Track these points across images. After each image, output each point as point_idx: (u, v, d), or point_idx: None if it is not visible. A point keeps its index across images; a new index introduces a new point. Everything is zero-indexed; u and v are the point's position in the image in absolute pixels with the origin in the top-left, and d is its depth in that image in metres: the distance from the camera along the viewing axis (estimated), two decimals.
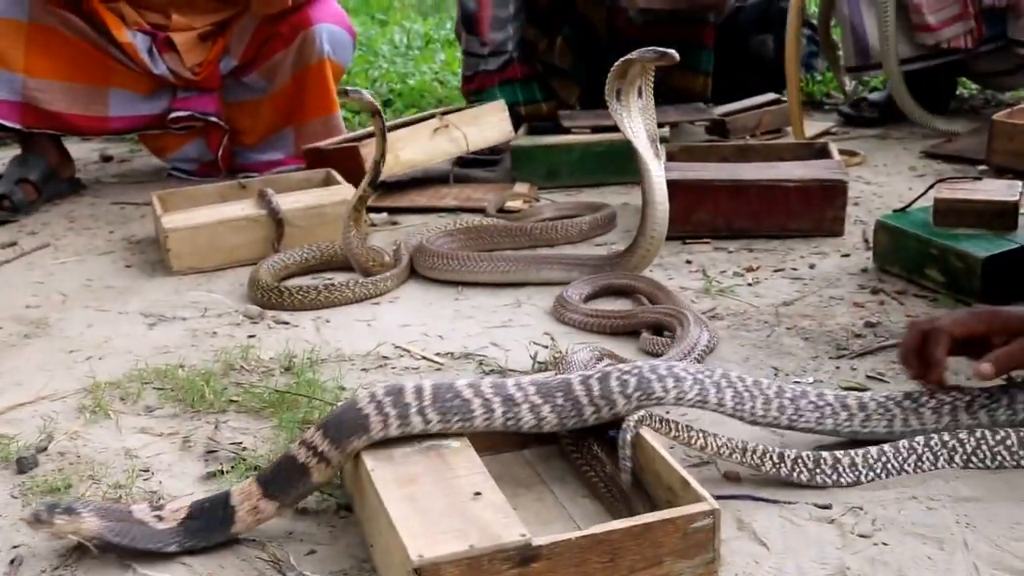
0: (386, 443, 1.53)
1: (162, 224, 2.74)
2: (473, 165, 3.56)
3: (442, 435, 1.53)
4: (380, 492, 1.40)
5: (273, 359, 2.17)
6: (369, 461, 1.48)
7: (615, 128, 3.35)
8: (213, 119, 3.56)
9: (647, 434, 1.53)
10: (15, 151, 3.57)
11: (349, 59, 3.70)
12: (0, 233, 3.16)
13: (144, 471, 1.76)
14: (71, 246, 3.04)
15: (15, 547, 1.56)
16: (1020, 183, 2.52)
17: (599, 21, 4.06)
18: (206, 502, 1.50)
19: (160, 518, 1.47)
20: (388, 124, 3.29)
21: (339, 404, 1.58)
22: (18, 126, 3.37)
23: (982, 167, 3.25)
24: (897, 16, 3.67)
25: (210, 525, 1.48)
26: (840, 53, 4.08)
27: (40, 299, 2.62)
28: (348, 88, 1.90)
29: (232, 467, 1.75)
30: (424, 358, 2.17)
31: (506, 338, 2.25)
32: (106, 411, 1.98)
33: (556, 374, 1.72)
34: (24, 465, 1.78)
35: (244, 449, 1.82)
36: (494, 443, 1.61)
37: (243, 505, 1.48)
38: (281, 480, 1.50)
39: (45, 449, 1.84)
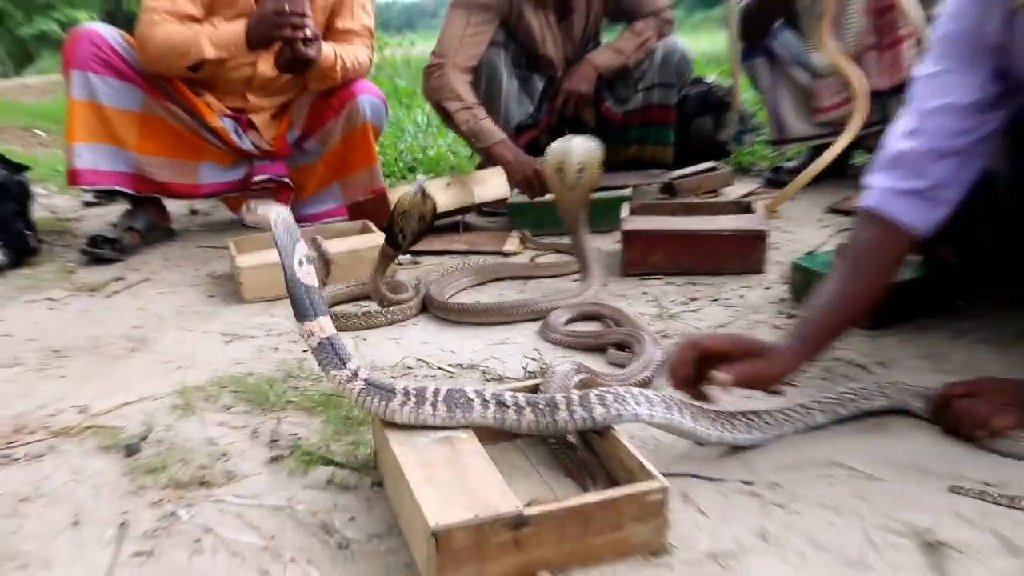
0: (408, 432, 1.53)
1: (236, 263, 2.77)
2: (479, 216, 3.57)
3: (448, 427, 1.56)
4: (405, 473, 1.41)
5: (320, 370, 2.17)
6: (396, 448, 1.48)
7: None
8: (285, 180, 3.60)
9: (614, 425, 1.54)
10: (125, 206, 3.59)
11: (383, 123, 3.73)
12: (111, 270, 3.18)
13: (223, 455, 1.77)
14: (166, 280, 3.05)
15: (123, 513, 1.58)
16: None
17: (589, 116, 4.08)
18: (317, 297, 1.58)
19: (301, 263, 1.57)
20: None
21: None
22: (131, 191, 3.42)
23: None
24: (800, 101, 3.70)
25: (301, 304, 1.59)
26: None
27: (142, 321, 2.63)
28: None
29: (290, 453, 1.76)
30: (440, 368, 2.18)
31: (503, 353, 2.26)
32: (193, 409, 1.99)
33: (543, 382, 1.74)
34: (131, 450, 1.80)
35: (299, 439, 1.83)
36: (494, 435, 1.61)
37: (313, 326, 1.59)
38: (328, 355, 1.60)
39: (146, 438, 1.86)
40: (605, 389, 1.54)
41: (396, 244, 2.53)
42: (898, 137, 1.83)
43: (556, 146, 2.63)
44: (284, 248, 1.54)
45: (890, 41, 3.60)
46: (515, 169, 3.41)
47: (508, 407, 1.53)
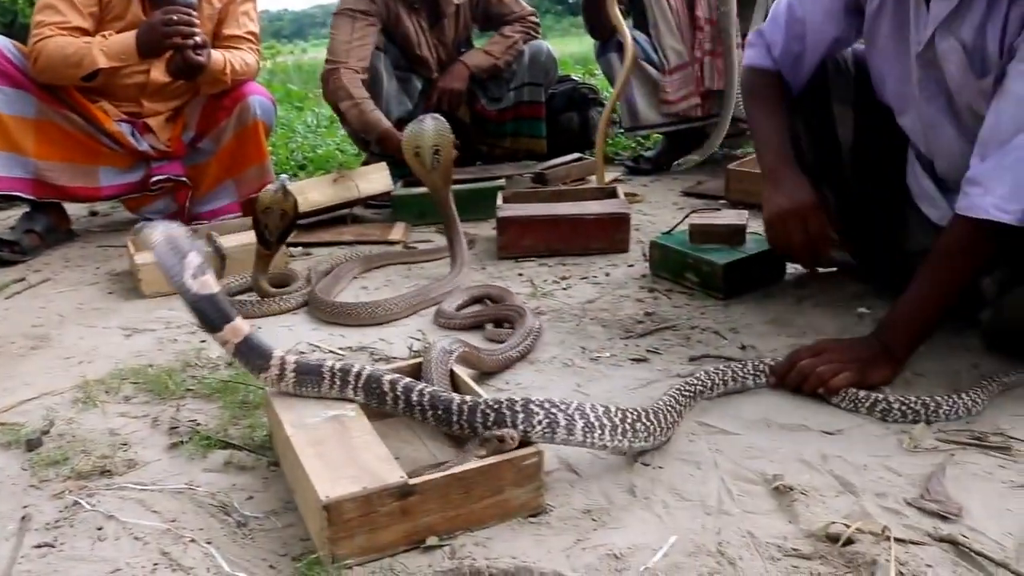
0: (300, 412, 1.49)
1: (135, 260, 2.67)
2: (366, 208, 3.52)
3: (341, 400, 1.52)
4: (297, 451, 1.37)
5: (219, 357, 2.10)
6: (289, 428, 1.44)
7: (465, 181, 3.40)
8: (183, 179, 3.47)
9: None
10: (24, 209, 3.42)
11: (273, 122, 3.63)
12: (12, 271, 3.01)
13: (123, 445, 1.69)
14: (66, 279, 2.91)
15: (25, 507, 1.49)
16: (747, 212, 2.59)
17: (463, 113, 4.09)
18: (220, 306, 1.46)
19: (195, 277, 1.42)
20: (305, 181, 3.27)
21: (312, 359, 1.52)
22: (32, 197, 3.25)
23: (722, 202, 3.33)
24: (650, 92, 3.76)
25: (207, 316, 1.46)
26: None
27: (43, 319, 2.50)
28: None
29: (190, 438, 1.70)
30: (331, 351, 2.13)
31: (390, 335, 2.22)
32: (94, 402, 1.90)
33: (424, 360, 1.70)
34: (32, 445, 1.70)
35: (199, 425, 1.76)
36: (383, 412, 1.58)
37: (227, 333, 1.47)
38: (251, 354, 1.50)
39: (48, 432, 1.76)
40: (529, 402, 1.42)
41: (265, 241, 2.48)
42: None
43: (409, 132, 2.58)
44: (170, 269, 1.43)
45: (719, 50, 3.73)
46: (398, 153, 3.39)
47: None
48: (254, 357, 1.50)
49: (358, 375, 1.51)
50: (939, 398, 1.63)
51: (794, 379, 1.74)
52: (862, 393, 1.67)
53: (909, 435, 1.57)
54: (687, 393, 1.66)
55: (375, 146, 3.73)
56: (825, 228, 2.02)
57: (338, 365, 1.52)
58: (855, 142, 2.12)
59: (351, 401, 1.51)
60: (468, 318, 2.26)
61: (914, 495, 1.38)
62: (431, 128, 2.55)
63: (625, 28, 3.36)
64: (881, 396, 1.66)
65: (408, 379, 1.50)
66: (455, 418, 1.42)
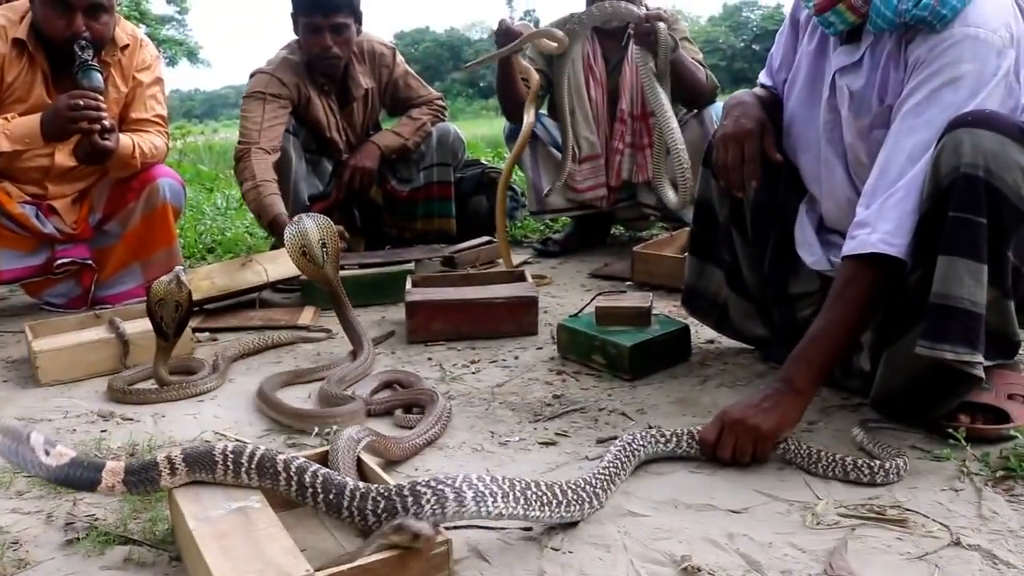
0: (204, 505, 1.45)
1: (32, 347, 2.59)
2: (275, 292, 3.49)
3: (248, 490, 1.49)
4: (200, 545, 1.33)
5: (121, 447, 2.03)
6: (191, 521, 1.40)
7: (374, 265, 3.41)
8: (88, 263, 3.39)
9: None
10: None
11: (183, 205, 3.59)
12: None
13: (14, 543, 1.61)
14: None
15: None
16: (651, 294, 2.65)
17: (375, 194, 4.15)
18: (86, 462, 1.44)
19: (47, 453, 1.39)
20: (213, 265, 3.24)
21: (201, 445, 1.50)
22: None
23: (628, 283, 3.39)
24: (556, 177, 3.85)
25: (80, 479, 1.42)
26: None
27: None
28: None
29: (86, 534, 1.63)
30: (237, 439, 2.08)
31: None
32: None
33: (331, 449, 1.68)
34: None
35: (96, 519, 1.69)
36: (290, 502, 1.55)
37: (108, 478, 1.43)
38: (140, 476, 1.47)
39: None
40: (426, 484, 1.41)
41: (162, 333, 2.45)
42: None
43: (291, 233, 2.61)
44: (22, 458, 1.42)
45: (643, 143, 3.83)
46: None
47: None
48: (143, 475, 1.49)
49: (251, 456, 1.49)
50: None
51: (722, 459, 1.81)
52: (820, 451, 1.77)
53: (812, 512, 1.60)
54: (610, 466, 1.69)
55: (274, 235, 3.72)
56: (756, 153, 2.12)
57: (230, 447, 1.51)
58: (756, 196, 2.24)
59: (247, 487, 1.49)
60: (381, 403, 2.24)
61: (818, 571, 1.41)
62: (311, 225, 2.61)
63: (530, 112, 3.43)
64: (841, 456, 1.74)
65: (303, 460, 1.48)
66: (346, 503, 1.42)
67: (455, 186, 4.16)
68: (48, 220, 3.33)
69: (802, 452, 1.79)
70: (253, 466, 1.48)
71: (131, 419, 2.26)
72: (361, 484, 1.43)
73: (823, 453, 1.76)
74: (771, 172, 2.15)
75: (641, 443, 1.80)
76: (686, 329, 2.51)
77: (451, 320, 2.77)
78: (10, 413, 2.33)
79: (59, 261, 3.35)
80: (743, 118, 2.14)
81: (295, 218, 2.63)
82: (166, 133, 3.52)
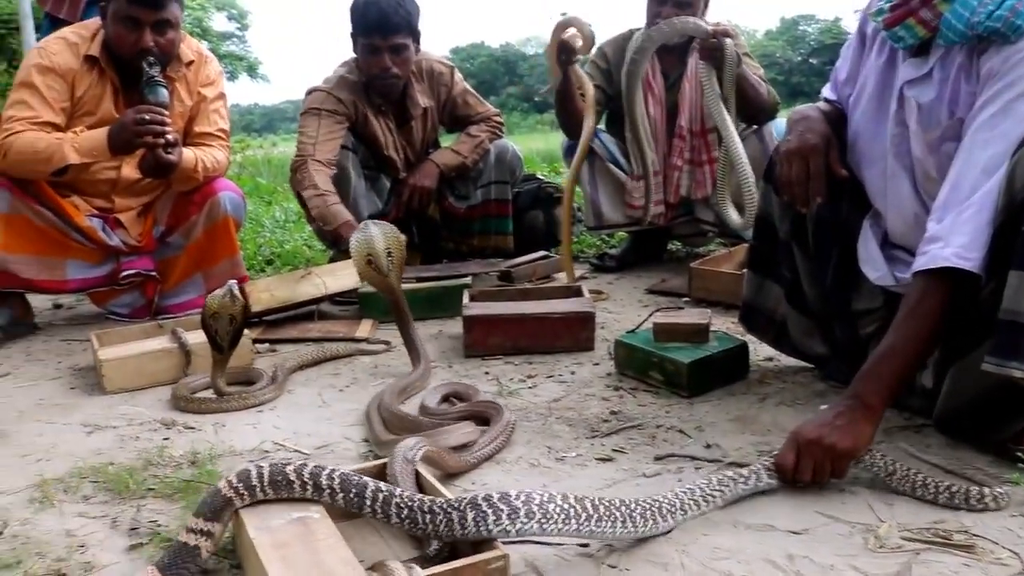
0: (264, 515, 1.48)
1: (98, 356, 2.65)
2: (333, 305, 3.53)
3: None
4: (260, 555, 1.35)
5: (182, 456, 2.07)
6: (252, 530, 1.42)
7: (432, 279, 3.43)
8: (153, 274, 3.47)
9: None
10: None
11: (243, 217, 3.65)
12: None
13: (80, 547, 1.65)
14: (27, 374, 2.87)
15: None
16: (709, 311, 2.63)
17: (433, 211, 4.18)
18: None
19: None
20: (272, 278, 3.29)
21: (205, 493, 1.51)
22: None
23: (685, 299, 3.37)
24: (615, 193, 3.84)
25: None
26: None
27: (1, 415, 2.46)
28: None
29: (150, 540, 1.66)
30: (296, 451, 2.11)
31: (355, 434, 2.20)
32: (51, 501, 1.86)
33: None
34: None
35: (159, 526, 1.72)
36: (347, 512, 1.56)
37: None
38: (178, 563, 1.42)
39: (1, 533, 1.71)
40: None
41: (217, 346, 2.48)
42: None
43: (357, 241, 2.61)
44: None
45: (702, 160, 3.82)
46: None
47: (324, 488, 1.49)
48: (212, 516, 1.48)
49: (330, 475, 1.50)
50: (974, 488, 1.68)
51: (800, 482, 1.77)
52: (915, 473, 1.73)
53: (875, 534, 1.57)
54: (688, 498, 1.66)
55: (341, 242, 3.75)
56: (821, 169, 2.09)
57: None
58: (818, 212, 2.20)
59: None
60: (450, 415, 2.25)
61: None
62: (378, 233, 2.60)
63: (589, 119, 3.43)
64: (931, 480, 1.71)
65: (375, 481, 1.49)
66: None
67: (511, 201, 4.17)
68: (114, 233, 3.42)
69: (891, 469, 1.75)
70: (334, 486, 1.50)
71: (193, 428, 2.30)
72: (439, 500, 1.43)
73: (923, 477, 1.72)
74: (834, 187, 2.11)
75: (718, 487, 1.72)
76: (744, 346, 2.49)
77: (508, 334, 2.77)
78: (77, 419, 2.39)
79: (124, 272, 3.43)
80: (808, 133, 2.11)
81: (361, 224, 2.64)
82: (228, 147, 3.59)
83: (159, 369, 2.67)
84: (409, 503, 1.43)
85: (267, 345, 3.06)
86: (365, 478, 1.49)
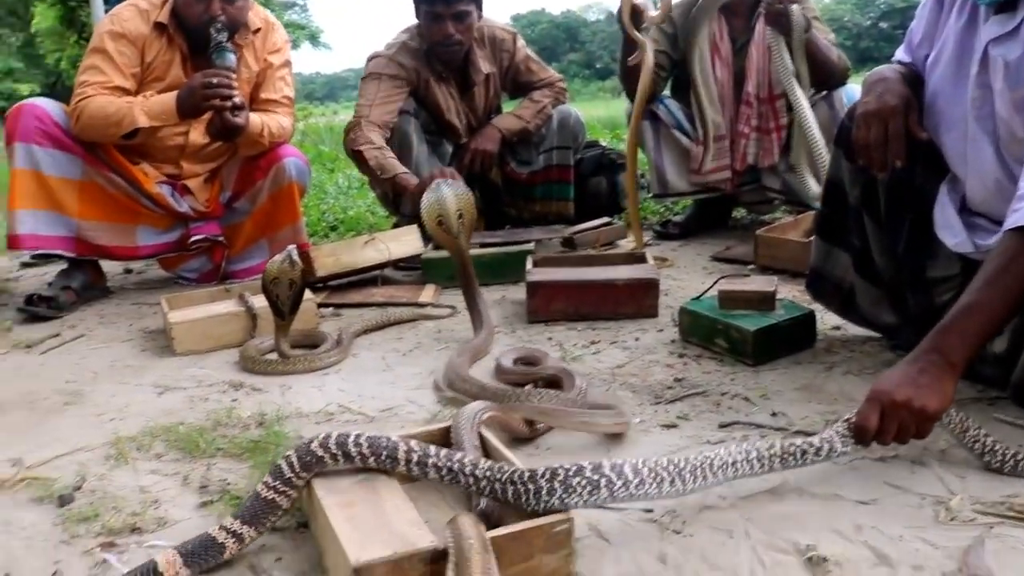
0: (331, 476, 1.50)
1: (168, 319, 2.70)
2: (396, 270, 3.55)
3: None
4: (327, 513, 1.37)
5: (250, 417, 2.11)
6: (320, 491, 1.45)
7: (495, 245, 3.43)
8: (220, 239, 3.54)
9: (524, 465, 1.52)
10: (61, 266, 3.48)
11: (307, 184, 3.69)
12: (47, 327, 3.06)
13: (154, 503, 1.70)
14: (100, 336, 2.95)
15: (56, 562, 1.50)
16: (776, 278, 2.59)
17: (495, 176, 4.17)
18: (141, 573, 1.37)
19: None
20: (336, 243, 3.31)
21: (246, 499, 1.51)
22: (72, 255, 3.33)
23: (751, 267, 3.33)
24: (680, 160, 3.79)
25: None
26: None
27: (76, 376, 2.53)
28: None
29: (220, 497, 1.70)
30: (360, 413, 2.13)
31: (419, 398, 2.22)
32: (126, 458, 1.91)
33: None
34: (64, 500, 1.71)
35: (229, 484, 1.76)
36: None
37: (168, 571, 1.38)
38: (200, 554, 1.42)
39: (80, 488, 1.77)
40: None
41: (278, 311, 2.50)
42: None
43: (428, 201, 2.58)
44: None
45: (769, 127, 3.74)
46: (416, 194, 3.41)
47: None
48: (249, 520, 1.47)
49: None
50: None
51: (882, 444, 1.67)
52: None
53: (945, 507, 1.54)
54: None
55: (405, 206, 3.76)
56: (901, 131, 2.02)
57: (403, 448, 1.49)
58: (892, 178, 2.14)
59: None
60: (525, 376, 2.26)
61: (952, 569, 1.36)
62: (450, 193, 2.57)
63: (645, 76, 3.39)
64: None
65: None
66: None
67: (574, 167, 4.15)
68: (183, 199, 3.49)
69: (965, 426, 1.69)
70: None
71: (259, 389, 2.34)
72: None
73: (993, 441, 1.67)
74: (910, 151, 2.06)
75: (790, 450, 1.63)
76: (811, 315, 2.45)
77: (571, 300, 2.77)
78: (148, 380, 2.45)
79: (193, 238, 3.50)
80: (887, 94, 2.04)
81: (434, 183, 2.62)
82: (293, 114, 3.63)
83: (226, 332, 2.72)
84: (480, 467, 1.44)
85: (331, 309, 3.09)
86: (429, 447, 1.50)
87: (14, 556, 1.54)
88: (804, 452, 1.62)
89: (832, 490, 1.62)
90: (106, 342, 2.87)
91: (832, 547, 1.42)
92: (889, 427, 1.64)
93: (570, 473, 1.37)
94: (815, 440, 1.64)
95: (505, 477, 1.40)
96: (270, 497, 1.47)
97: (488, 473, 1.42)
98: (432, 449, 1.48)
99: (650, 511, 1.56)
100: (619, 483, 1.39)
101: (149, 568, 1.36)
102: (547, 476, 1.36)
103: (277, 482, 1.48)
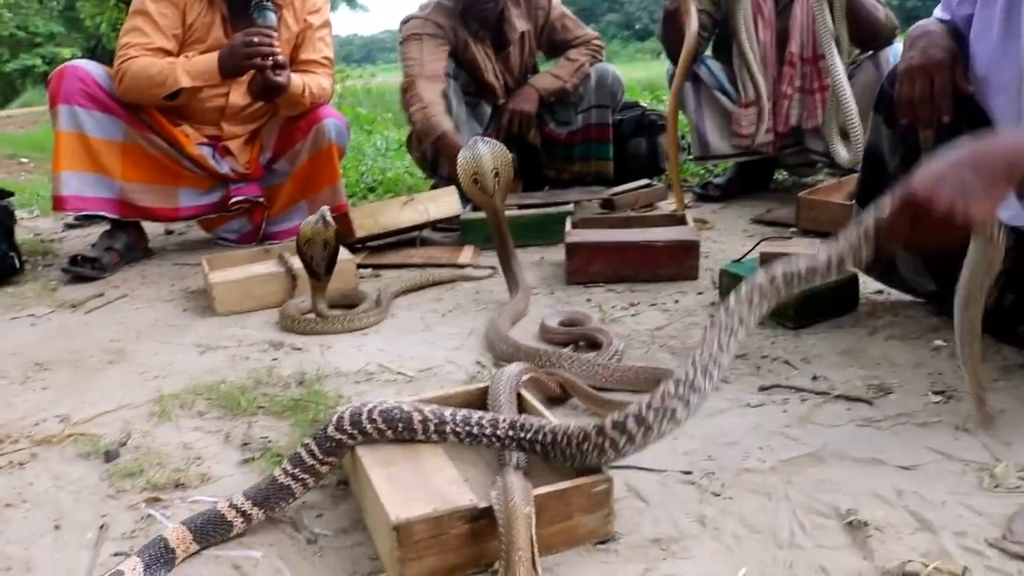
0: None
1: (209, 279, 2.73)
2: (435, 231, 3.56)
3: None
4: (368, 471, 1.38)
5: (290, 375, 2.14)
6: (360, 449, 1.46)
7: (534, 206, 3.42)
8: (260, 200, 3.56)
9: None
10: (105, 227, 3.52)
11: (346, 145, 3.68)
12: (91, 287, 3.11)
13: (197, 459, 1.73)
14: (143, 296, 2.99)
15: (103, 516, 1.53)
16: (818, 241, 2.55)
17: (533, 137, 4.14)
18: (151, 551, 1.35)
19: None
20: (376, 204, 3.31)
21: (262, 480, 1.49)
22: (115, 216, 3.36)
23: (792, 230, 3.29)
24: (721, 123, 3.74)
25: (162, 566, 1.34)
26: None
27: (120, 335, 2.57)
28: None
29: (261, 454, 1.72)
30: (400, 373, 2.14)
31: (458, 358, 2.23)
32: (169, 416, 1.94)
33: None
34: (109, 456, 1.74)
35: (270, 442, 1.78)
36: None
37: (180, 547, 1.37)
38: (208, 529, 1.41)
39: (125, 444, 1.80)
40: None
41: (313, 272, 2.51)
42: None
43: (465, 159, 2.55)
44: None
45: (813, 88, 3.68)
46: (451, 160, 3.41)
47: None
48: (259, 502, 1.45)
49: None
50: None
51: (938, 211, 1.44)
52: None
53: (990, 473, 1.52)
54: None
55: (443, 167, 3.75)
56: (947, 86, 1.96)
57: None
58: (934, 142, 2.06)
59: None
60: (569, 336, 2.26)
61: (996, 536, 1.34)
62: (487, 151, 2.55)
63: (691, 33, 3.33)
64: None
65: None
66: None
67: (613, 128, 4.11)
68: (224, 160, 3.51)
69: None
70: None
71: (300, 349, 2.36)
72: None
73: None
74: (955, 111, 2.00)
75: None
76: (854, 278, 2.41)
77: (611, 262, 2.75)
78: (190, 339, 2.48)
79: (233, 199, 3.52)
80: (931, 48, 1.98)
81: (470, 141, 2.60)
82: (332, 75, 3.63)
83: (267, 292, 2.74)
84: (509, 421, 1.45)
85: (370, 270, 3.11)
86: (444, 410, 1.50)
87: (63, 509, 1.57)
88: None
89: (873, 455, 1.60)
90: (149, 302, 2.91)
91: (873, 512, 1.41)
92: (922, 234, 1.49)
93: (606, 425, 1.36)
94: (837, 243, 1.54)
95: (530, 435, 1.41)
96: (286, 483, 1.46)
97: (510, 432, 1.43)
98: (447, 414, 1.48)
99: (689, 473, 1.56)
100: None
101: (160, 544, 1.36)
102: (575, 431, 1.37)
103: (296, 469, 1.46)
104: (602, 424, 1.35)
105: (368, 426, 1.47)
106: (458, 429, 1.47)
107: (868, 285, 2.53)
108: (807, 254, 1.54)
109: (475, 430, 1.46)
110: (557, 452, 1.38)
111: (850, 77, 3.29)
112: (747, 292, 1.48)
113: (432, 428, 1.47)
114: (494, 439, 1.45)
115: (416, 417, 1.48)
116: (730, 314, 1.45)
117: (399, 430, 1.48)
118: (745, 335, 1.46)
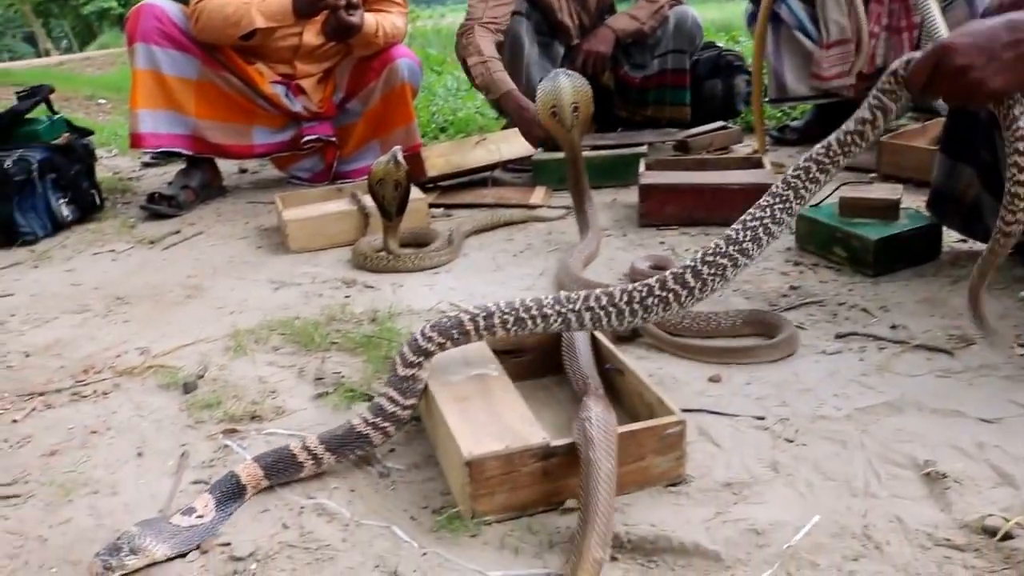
0: (444, 371, 1.52)
1: (283, 217, 2.77)
2: (506, 172, 3.54)
3: (486, 358, 1.52)
4: (440, 407, 1.40)
5: (363, 313, 2.16)
6: (433, 385, 1.47)
7: (606, 148, 3.38)
8: (332, 140, 3.58)
9: (634, 367, 1.51)
10: (181, 166, 3.59)
11: (419, 85, 3.69)
12: (169, 224, 3.18)
13: (272, 393, 1.76)
14: (218, 233, 3.04)
15: (183, 445, 1.58)
16: (900, 186, 2.48)
17: (607, 79, 4.04)
18: (223, 487, 1.36)
19: (201, 516, 1.30)
20: (447, 144, 3.29)
21: (339, 427, 1.48)
22: (190, 152, 3.41)
23: (873, 175, 3.20)
24: (801, 64, 3.63)
25: (234, 501, 1.36)
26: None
27: (197, 271, 2.62)
28: None
29: (334, 389, 1.75)
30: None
31: (527, 296, 2.22)
32: (245, 350, 1.98)
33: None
34: (188, 388, 1.79)
35: (343, 377, 1.81)
36: (521, 373, 1.59)
37: (251, 483, 1.39)
38: (279, 468, 1.41)
39: (202, 377, 1.85)
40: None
41: (385, 212, 2.51)
42: None
43: (544, 90, 2.51)
44: (175, 535, 1.28)
45: (900, 26, 3.53)
46: (517, 118, 3.37)
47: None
48: (332, 448, 1.44)
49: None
50: None
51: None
52: None
53: None
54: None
55: (509, 124, 3.71)
56: None
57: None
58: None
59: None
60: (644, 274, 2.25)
61: None
62: (567, 84, 2.50)
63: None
64: None
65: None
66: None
67: (691, 70, 4.02)
68: (296, 99, 3.52)
69: None
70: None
71: (372, 287, 2.38)
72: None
73: None
74: None
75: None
76: (937, 226, 2.34)
77: (684, 205, 2.71)
78: (264, 276, 2.52)
79: (306, 138, 3.54)
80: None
81: (552, 73, 2.56)
82: (405, 14, 3.60)
83: (339, 231, 2.76)
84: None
85: (442, 210, 3.11)
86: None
87: (145, 437, 1.62)
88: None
89: (953, 406, 1.56)
90: (224, 239, 2.96)
91: (952, 464, 1.38)
92: (935, 87, 1.54)
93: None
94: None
95: (578, 304, 1.45)
96: (365, 432, 1.46)
97: (556, 306, 1.46)
98: (491, 306, 1.48)
99: (762, 418, 1.55)
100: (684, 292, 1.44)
101: (232, 480, 1.38)
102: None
103: (378, 418, 1.46)
104: (663, 278, 1.42)
105: (429, 345, 1.48)
106: (506, 317, 1.47)
107: (951, 234, 2.46)
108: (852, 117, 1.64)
109: (521, 312, 1.46)
110: (612, 316, 1.40)
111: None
112: (804, 162, 1.54)
113: (481, 325, 1.47)
114: (539, 319, 1.46)
115: (465, 318, 1.48)
116: (788, 184, 1.51)
117: (455, 337, 1.48)
118: (800, 207, 1.53)
